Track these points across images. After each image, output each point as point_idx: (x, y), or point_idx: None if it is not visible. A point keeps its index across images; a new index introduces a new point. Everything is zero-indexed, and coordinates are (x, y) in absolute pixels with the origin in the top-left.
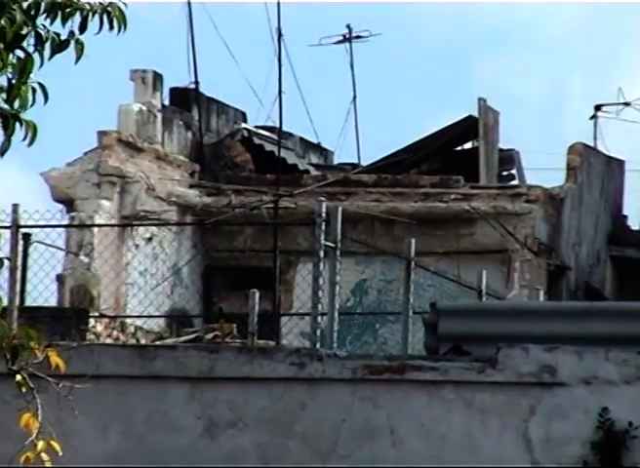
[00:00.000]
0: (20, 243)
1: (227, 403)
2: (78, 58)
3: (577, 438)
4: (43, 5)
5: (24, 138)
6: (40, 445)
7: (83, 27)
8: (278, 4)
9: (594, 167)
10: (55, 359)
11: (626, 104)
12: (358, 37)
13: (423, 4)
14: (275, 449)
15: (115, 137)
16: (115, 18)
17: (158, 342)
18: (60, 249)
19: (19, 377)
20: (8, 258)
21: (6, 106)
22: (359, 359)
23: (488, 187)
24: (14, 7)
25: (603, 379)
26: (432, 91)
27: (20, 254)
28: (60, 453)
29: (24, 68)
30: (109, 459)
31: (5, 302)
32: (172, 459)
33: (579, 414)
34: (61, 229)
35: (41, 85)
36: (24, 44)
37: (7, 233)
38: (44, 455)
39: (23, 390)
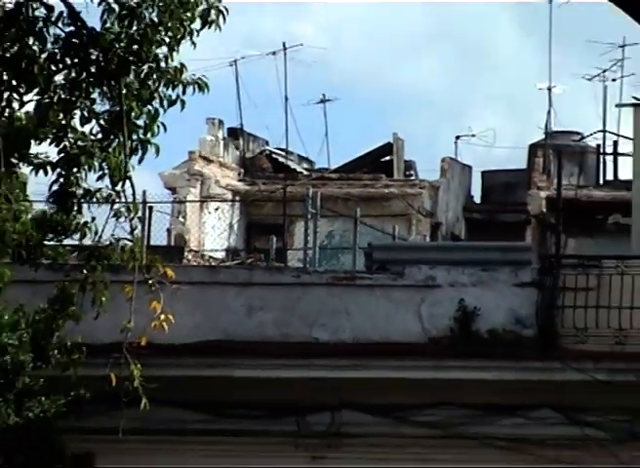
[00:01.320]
0: (147, 212)
1: (259, 297)
2: (182, 109)
3: (446, 315)
4: (163, 81)
5: (154, 153)
6: (162, 317)
7: (184, 91)
8: (285, 82)
9: (456, 170)
10: (169, 272)
11: (473, 136)
12: (329, 100)
13: (361, 79)
14: (284, 322)
15: (198, 154)
16: (202, 85)
17: (222, 264)
18: (168, 214)
19: (150, 282)
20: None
21: (142, 136)
22: (330, 273)
23: (398, 180)
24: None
25: (461, 283)
26: (367, 128)
27: (147, 218)
28: (173, 322)
29: (154, 116)
30: (197, 327)
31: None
32: (229, 327)
33: (447, 302)
34: (169, 204)
35: (162, 124)
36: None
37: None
38: (164, 324)
39: (152, 289)
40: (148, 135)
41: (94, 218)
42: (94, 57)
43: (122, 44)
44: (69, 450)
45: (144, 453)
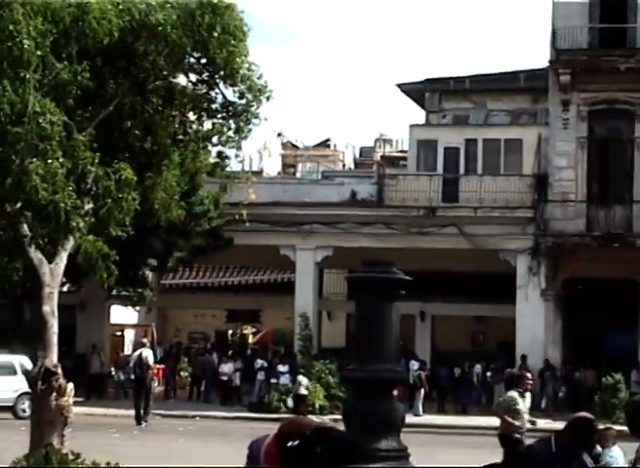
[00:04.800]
0: (250, 161)
1: (286, 188)
2: (259, 125)
3: (347, 193)
4: (252, 118)
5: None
6: (251, 194)
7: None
8: None
9: (350, 148)
10: (253, 179)
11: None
12: (309, 123)
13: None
14: (295, 196)
15: (266, 142)
16: (266, 119)
17: (274, 177)
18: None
19: (248, 182)
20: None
21: (246, 134)
22: (309, 179)
23: (332, 150)
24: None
25: (353, 184)
26: (322, 131)
27: (248, 163)
28: (254, 196)
29: (250, 129)
30: (262, 198)
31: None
32: (275, 198)
33: (347, 191)
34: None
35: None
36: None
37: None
38: (252, 196)
39: (248, 184)
40: (248, 134)
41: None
42: (230, 109)
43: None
44: (222, 237)
45: (246, 236)
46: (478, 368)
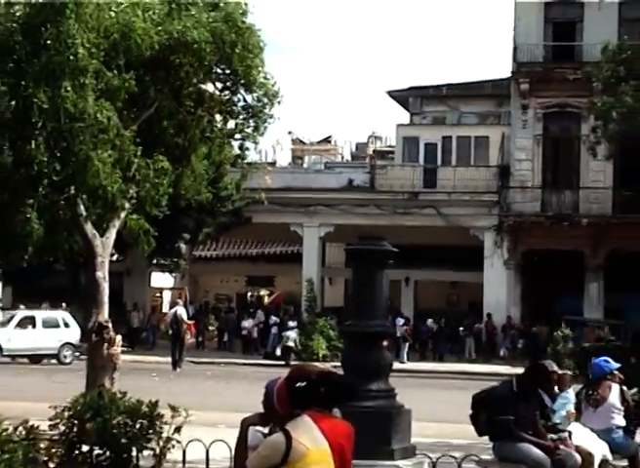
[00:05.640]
0: (265, 154)
1: (296, 176)
2: (272, 123)
3: (345, 179)
4: (267, 119)
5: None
6: (268, 179)
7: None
8: None
9: (347, 143)
10: (269, 168)
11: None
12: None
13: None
14: (304, 181)
15: (279, 138)
16: (281, 118)
17: (284, 166)
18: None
19: (265, 171)
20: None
21: (262, 131)
22: (314, 169)
23: (333, 145)
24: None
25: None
26: (323, 130)
27: (265, 155)
28: (271, 181)
29: (265, 127)
30: (277, 183)
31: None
32: (287, 183)
33: (345, 179)
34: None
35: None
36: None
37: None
38: (269, 181)
39: (266, 173)
40: (264, 131)
41: (248, 156)
42: (250, 111)
43: (255, 108)
44: (243, 216)
45: (262, 215)
46: (430, 321)
